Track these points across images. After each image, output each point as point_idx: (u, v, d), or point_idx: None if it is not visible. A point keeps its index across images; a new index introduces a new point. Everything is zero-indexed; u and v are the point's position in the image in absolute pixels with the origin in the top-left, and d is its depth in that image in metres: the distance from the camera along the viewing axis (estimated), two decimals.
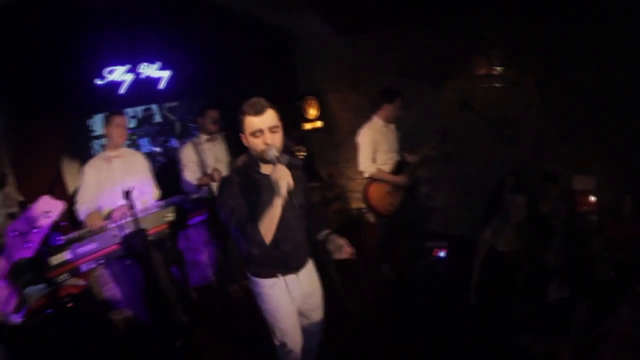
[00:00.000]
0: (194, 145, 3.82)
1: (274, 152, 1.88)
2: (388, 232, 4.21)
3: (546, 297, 3.00)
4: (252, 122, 1.90)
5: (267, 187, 1.91)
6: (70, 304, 3.15)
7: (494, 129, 4.46)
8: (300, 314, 2.33)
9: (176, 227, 3.34)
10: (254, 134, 1.91)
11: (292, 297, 2.18)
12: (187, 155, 3.78)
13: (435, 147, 3.96)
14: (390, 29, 4.83)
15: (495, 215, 3.45)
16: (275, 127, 1.93)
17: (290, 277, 2.17)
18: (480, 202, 4.21)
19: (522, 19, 3.97)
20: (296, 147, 4.19)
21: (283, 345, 2.24)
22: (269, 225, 1.88)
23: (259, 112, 1.89)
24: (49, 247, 2.53)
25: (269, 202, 1.86)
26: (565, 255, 3.25)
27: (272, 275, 2.14)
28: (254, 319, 3.54)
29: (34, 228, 1.36)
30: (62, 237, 2.62)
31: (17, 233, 1.37)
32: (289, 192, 1.82)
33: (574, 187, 3.94)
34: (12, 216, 3.42)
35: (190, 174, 3.72)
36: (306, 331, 2.36)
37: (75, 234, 2.86)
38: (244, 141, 2.00)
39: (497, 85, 4.41)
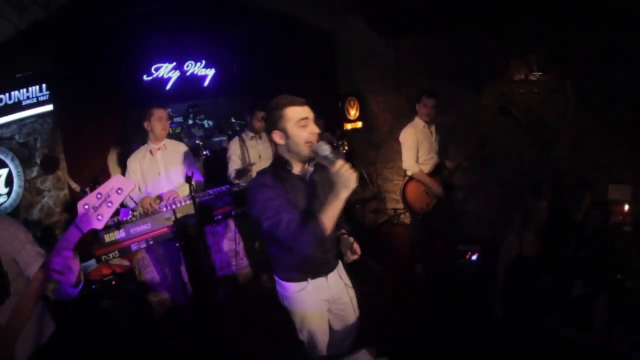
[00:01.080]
0: (241, 140, 4.04)
1: (326, 148, 1.77)
2: (422, 232, 4.26)
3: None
4: (297, 111, 1.84)
5: (302, 188, 1.90)
6: (114, 282, 3.30)
7: (531, 134, 4.45)
8: (332, 314, 2.29)
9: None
10: (299, 123, 1.83)
11: (321, 299, 2.13)
12: (234, 149, 4.03)
13: (471, 156, 4.04)
14: (432, 33, 4.85)
15: (513, 221, 3.44)
16: (314, 118, 1.88)
17: (320, 280, 2.11)
18: (515, 207, 4.17)
19: (562, 24, 3.91)
20: (339, 141, 4.30)
21: (310, 342, 2.22)
22: (332, 218, 1.74)
23: (301, 103, 1.86)
24: (118, 222, 2.67)
25: (329, 199, 1.74)
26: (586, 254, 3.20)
27: (301, 279, 2.08)
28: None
29: (107, 203, 1.48)
30: (131, 213, 2.74)
31: (88, 207, 1.48)
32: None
33: (609, 196, 3.86)
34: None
35: (234, 165, 3.96)
36: (338, 332, 2.35)
37: (127, 216, 2.99)
38: (279, 137, 1.88)
39: (535, 90, 4.37)
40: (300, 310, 2.13)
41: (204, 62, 4.88)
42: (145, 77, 4.50)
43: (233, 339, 3.46)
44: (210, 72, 4.96)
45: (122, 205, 3.21)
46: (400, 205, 5.77)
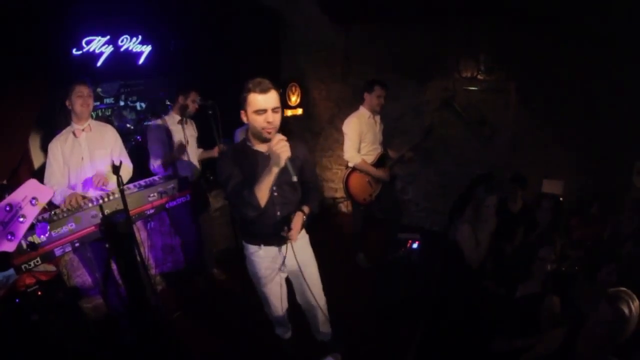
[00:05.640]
0: (164, 124, 3.50)
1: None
2: (364, 222, 4.07)
3: (515, 294, 3.01)
4: (257, 100, 1.92)
5: (261, 162, 2.02)
6: (40, 292, 2.75)
7: (472, 128, 4.49)
8: (296, 285, 2.46)
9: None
10: (257, 112, 1.93)
11: (272, 265, 2.29)
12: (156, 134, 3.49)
13: (415, 147, 3.90)
14: (384, 22, 4.67)
15: (465, 213, 3.43)
16: (277, 107, 1.97)
17: (271, 249, 2.25)
18: (452, 198, 4.15)
19: (512, 29, 3.97)
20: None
21: (264, 302, 2.46)
22: (263, 190, 1.95)
23: (264, 91, 1.91)
24: (31, 242, 2.07)
25: (263, 173, 1.93)
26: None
27: (255, 243, 2.25)
28: (226, 305, 3.50)
29: (19, 217, 1.05)
30: (48, 228, 2.16)
31: None
32: (285, 167, 1.87)
33: (543, 189, 3.99)
34: None
35: (157, 155, 3.43)
36: (302, 300, 2.53)
37: (47, 215, 2.43)
38: (244, 118, 2.01)
39: (478, 88, 4.38)
40: (254, 271, 2.33)
41: (140, 37, 4.20)
42: (74, 51, 3.78)
43: (175, 341, 3.09)
44: (147, 49, 4.30)
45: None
46: (339, 194, 5.64)
